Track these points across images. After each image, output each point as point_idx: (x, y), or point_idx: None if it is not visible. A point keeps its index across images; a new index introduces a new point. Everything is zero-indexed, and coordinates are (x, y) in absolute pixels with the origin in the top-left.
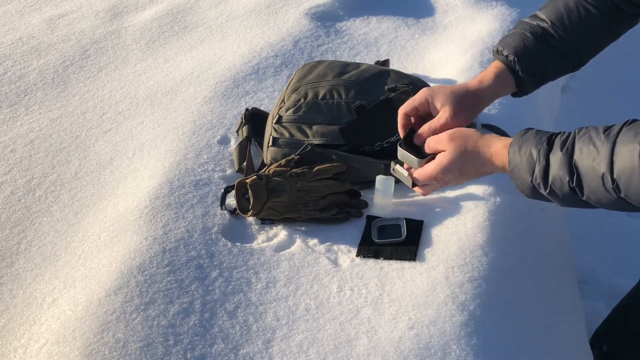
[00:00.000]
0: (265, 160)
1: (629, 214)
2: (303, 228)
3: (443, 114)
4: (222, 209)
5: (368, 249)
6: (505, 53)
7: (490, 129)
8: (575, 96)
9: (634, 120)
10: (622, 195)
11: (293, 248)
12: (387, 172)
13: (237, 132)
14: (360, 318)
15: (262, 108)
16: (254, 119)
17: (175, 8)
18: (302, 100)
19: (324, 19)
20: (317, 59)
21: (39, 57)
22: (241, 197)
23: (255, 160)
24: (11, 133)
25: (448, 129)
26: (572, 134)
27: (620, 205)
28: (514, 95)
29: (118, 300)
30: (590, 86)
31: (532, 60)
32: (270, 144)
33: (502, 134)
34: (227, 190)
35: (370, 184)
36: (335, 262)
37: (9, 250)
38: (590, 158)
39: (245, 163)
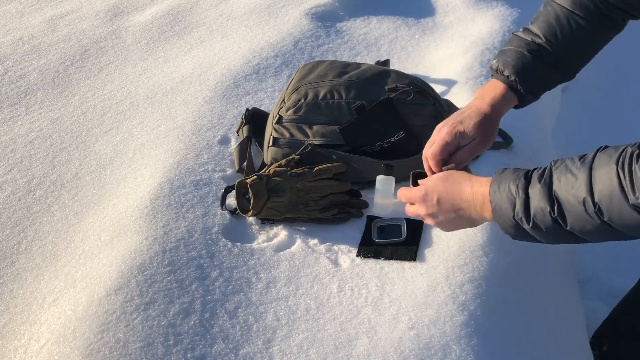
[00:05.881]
0: (265, 160)
1: None
2: (303, 228)
3: (476, 144)
4: (222, 209)
5: (368, 249)
6: (506, 73)
7: None
8: (576, 96)
9: (607, 146)
10: (605, 218)
11: (293, 248)
12: (387, 172)
13: (238, 132)
14: (360, 318)
15: (262, 108)
16: (255, 119)
17: (176, 8)
18: (303, 100)
19: (325, 19)
20: (317, 59)
21: (39, 57)
22: (241, 197)
23: (255, 160)
24: (12, 133)
25: (478, 154)
26: (549, 166)
27: (604, 231)
28: (515, 107)
29: (118, 300)
30: (591, 85)
31: (532, 78)
32: (270, 144)
33: (503, 134)
34: (227, 190)
35: (370, 184)
36: (335, 262)
37: (9, 250)
38: (569, 185)
39: (245, 163)
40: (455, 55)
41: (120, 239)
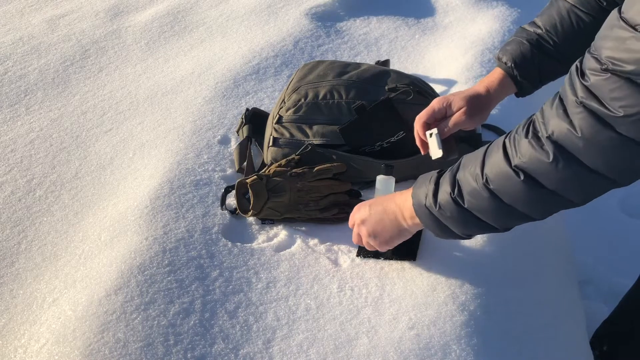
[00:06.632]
0: (265, 160)
1: (629, 213)
2: (303, 228)
3: (461, 114)
4: (222, 209)
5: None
6: (504, 60)
7: (490, 129)
8: None
9: None
10: (491, 187)
11: (293, 248)
12: (387, 172)
13: (238, 132)
14: (360, 318)
15: (262, 108)
16: (255, 119)
17: (176, 8)
18: (303, 100)
19: (325, 19)
20: (317, 59)
21: (39, 57)
22: (241, 197)
23: (255, 160)
24: (12, 133)
25: (463, 127)
26: (461, 158)
27: (497, 208)
28: (516, 95)
29: (118, 300)
30: None
31: (528, 65)
32: (270, 144)
33: (502, 134)
34: (227, 190)
35: (370, 184)
36: (335, 262)
37: (9, 250)
38: (469, 167)
39: (245, 163)
40: (455, 55)
41: (120, 239)
